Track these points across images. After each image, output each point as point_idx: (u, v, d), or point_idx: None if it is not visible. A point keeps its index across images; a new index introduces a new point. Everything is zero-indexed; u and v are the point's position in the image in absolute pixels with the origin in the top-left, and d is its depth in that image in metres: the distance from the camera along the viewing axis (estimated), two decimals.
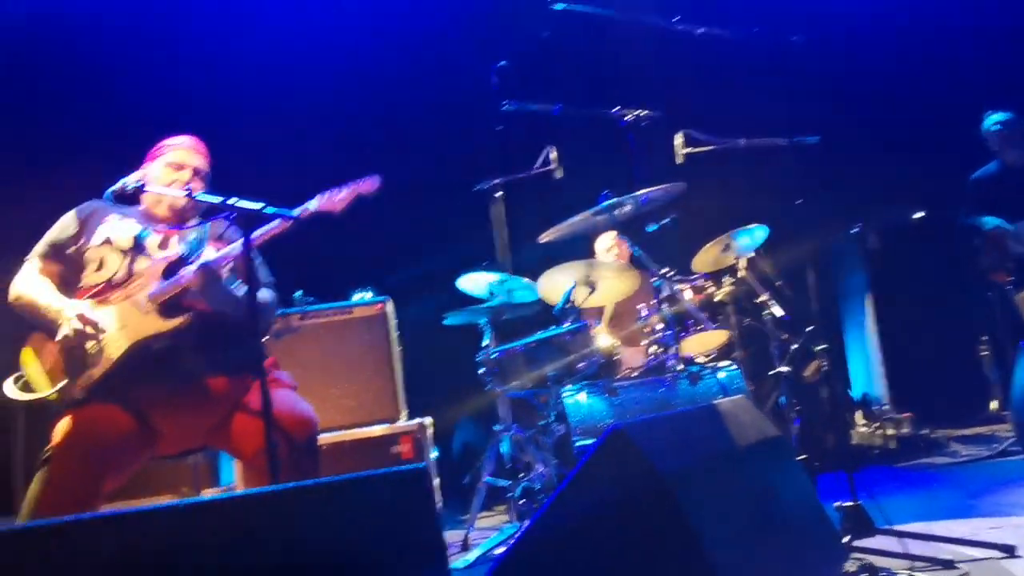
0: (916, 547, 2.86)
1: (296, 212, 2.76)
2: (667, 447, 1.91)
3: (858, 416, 5.60)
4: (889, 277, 6.16)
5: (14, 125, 5.04)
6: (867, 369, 6.26)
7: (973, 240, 5.31)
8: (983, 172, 5.40)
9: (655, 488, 1.72)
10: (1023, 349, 4.29)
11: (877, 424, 5.37)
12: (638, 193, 4.01)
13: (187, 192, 2.82)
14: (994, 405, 5.74)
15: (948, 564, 2.74)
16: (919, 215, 6.11)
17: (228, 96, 5.56)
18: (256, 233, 2.73)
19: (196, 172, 3.06)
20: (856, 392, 6.20)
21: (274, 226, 2.78)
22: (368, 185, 2.89)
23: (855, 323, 6.34)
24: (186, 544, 1.37)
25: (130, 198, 2.93)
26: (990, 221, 5.22)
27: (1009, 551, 2.81)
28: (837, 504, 3.06)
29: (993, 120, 5.36)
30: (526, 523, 3.57)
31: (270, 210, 2.64)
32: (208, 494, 4.02)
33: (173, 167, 3.03)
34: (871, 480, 4.50)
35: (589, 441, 3.43)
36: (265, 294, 2.96)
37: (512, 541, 1.93)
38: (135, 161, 3.08)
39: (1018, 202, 5.16)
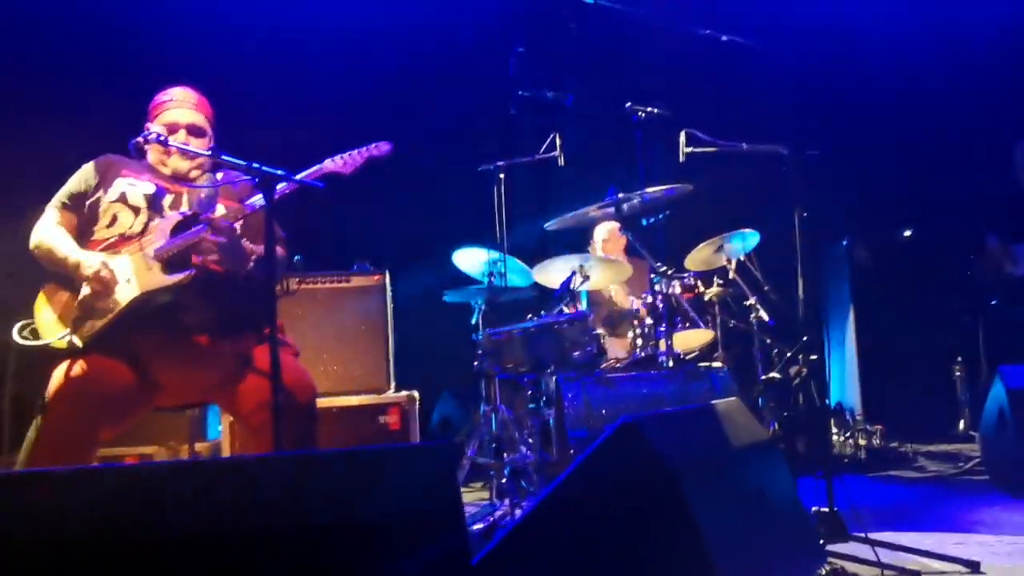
0: (885, 556, 2.93)
1: (308, 173, 2.76)
2: (672, 443, 1.98)
3: (831, 424, 5.72)
4: (873, 292, 6.30)
5: (32, 75, 4.95)
6: (843, 379, 6.39)
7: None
8: (1008, 193, 5.60)
9: (663, 482, 1.80)
10: (1001, 373, 4.43)
11: (849, 433, 5.50)
12: (649, 191, 4.07)
13: (212, 151, 2.79)
14: (962, 425, 5.92)
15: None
16: (908, 234, 6.26)
17: (239, 55, 5.51)
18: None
19: (190, 130, 2.99)
20: (832, 401, 6.33)
21: (284, 188, 2.76)
22: (380, 149, 2.91)
23: (837, 334, 6.47)
24: (208, 502, 1.41)
25: (142, 152, 2.91)
26: (993, 237, 5.42)
27: (974, 567, 2.91)
28: (814, 508, 3.17)
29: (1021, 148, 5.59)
30: (518, 503, 3.67)
31: (296, 178, 2.65)
32: (198, 448, 4.04)
33: (167, 129, 2.95)
34: (840, 487, 4.60)
35: (581, 430, 3.50)
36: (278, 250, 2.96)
37: (515, 522, 2.00)
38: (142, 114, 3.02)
39: None
